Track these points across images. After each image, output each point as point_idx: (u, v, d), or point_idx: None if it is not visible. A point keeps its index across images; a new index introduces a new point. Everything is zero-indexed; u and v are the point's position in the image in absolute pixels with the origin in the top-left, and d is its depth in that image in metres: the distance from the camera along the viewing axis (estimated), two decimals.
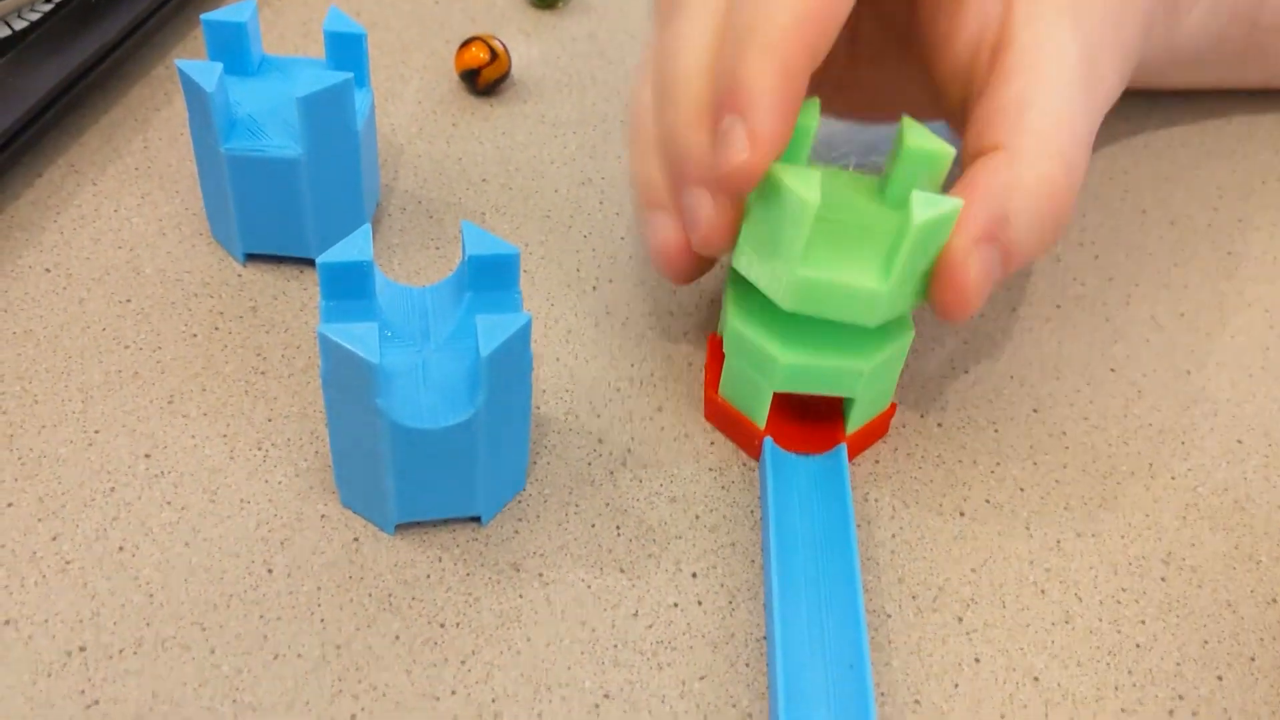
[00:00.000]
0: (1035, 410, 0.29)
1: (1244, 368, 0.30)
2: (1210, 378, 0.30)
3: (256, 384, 0.27)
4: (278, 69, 0.30)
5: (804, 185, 0.23)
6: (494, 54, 0.35)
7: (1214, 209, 0.35)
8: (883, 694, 0.23)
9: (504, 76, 0.36)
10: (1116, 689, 0.24)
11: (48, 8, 0.34)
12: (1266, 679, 0.24)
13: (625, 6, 0.41)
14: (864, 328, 0.25)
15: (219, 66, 0.27)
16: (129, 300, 0.29)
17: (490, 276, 0.24)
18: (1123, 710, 0.23)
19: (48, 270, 0.29)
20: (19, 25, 0.33)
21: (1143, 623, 0.25)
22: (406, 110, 0.35)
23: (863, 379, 0.25)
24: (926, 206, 0.23)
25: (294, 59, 0.30)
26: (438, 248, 0.31)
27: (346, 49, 0.29)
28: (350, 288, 0.23)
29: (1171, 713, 0.23)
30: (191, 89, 0.27)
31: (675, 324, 0.30)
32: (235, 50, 0.29)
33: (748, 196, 0.24)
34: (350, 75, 0.27)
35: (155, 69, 0.36)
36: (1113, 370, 0.30)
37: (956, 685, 0.23)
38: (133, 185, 0.32)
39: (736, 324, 0.26)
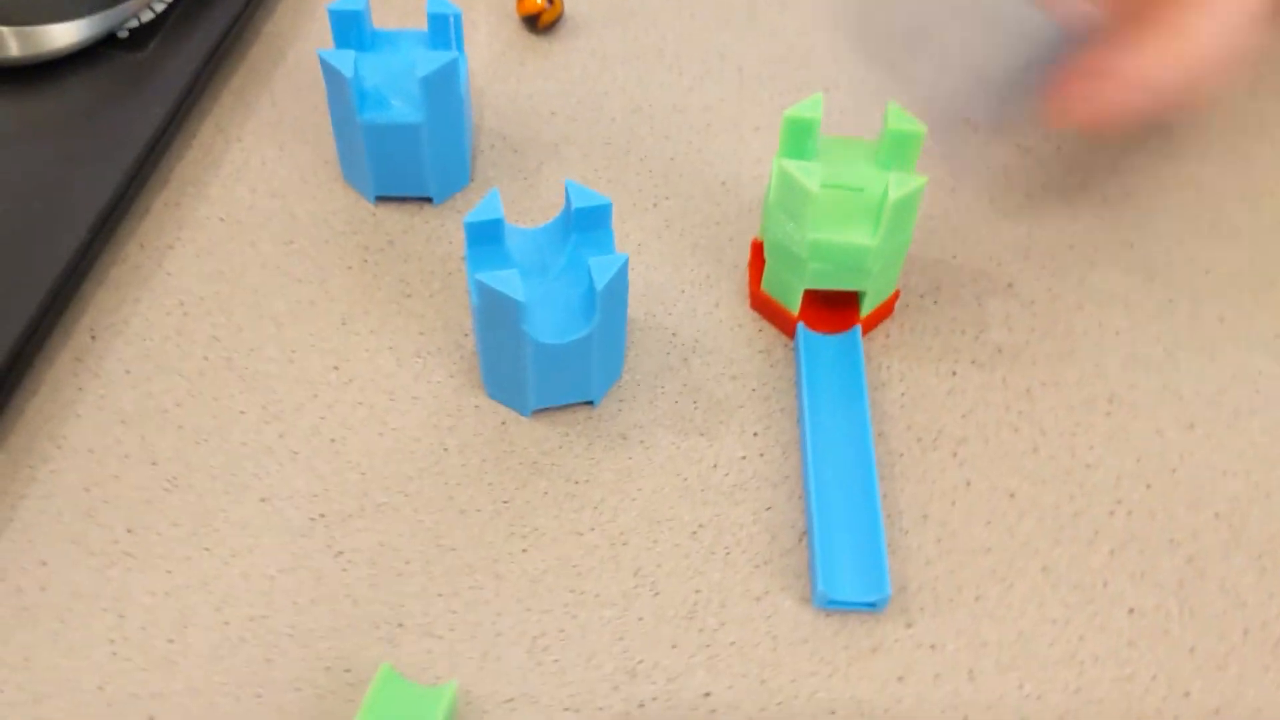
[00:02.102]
0: (1010, 285, 0.37)
1: (1177, 236, 0.38)
2: (1150, 248, 0.38)
3: (405, 305, 0.35)
4: (388, 43, 0.36)
5: (808, 177, 0.31)
6: (556, 3, 0.42)
7: None
8: (900, 512, 0.32)
9: (560, 17, 0.42)
10: (1071, 498, 0.32)
11: None
12: (1184, 485, 0.33)
13: None
14: (872, 238, 0.32)
15: (352, 54, 0.34)
16: (291, 241, 0.36)
17: (590, 222, 0.32)
18: (1075, 514, 0.32)
19: (221, 220, 0.37)
20: (159, 7, 0.39)
21: (1091, 448, 0.33)
22: (480, 56, 0.42)
23: (871, 277, 0.33)
24: (899, 186, 0.31)
25: (400, 32, 0.37)
26: (525, 178, 0.38)
27: (445, 26, 0.35)
28: (487, 238, 0.31)
29: (1111, 514, 0.32)
30: (331, 74, 0.34)
31: (721, 232, 0.38)
32: (354, 31, 0.35)
33: (771, 178, 0.32)
34: (457, 54, 0.34)
35: (266, 30, 0.42)
36: (1071, 247, 0.38)
37: (953, 503, 0.32)
38: (270, 138, 0.39)
39: (774, 235, 0.34)
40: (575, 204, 0.31)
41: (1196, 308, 0.36)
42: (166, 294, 0.35)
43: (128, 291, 0.35)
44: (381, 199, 0.37)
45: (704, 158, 0.39)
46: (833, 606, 0.30)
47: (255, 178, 0.38)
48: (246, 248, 0.36)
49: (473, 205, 0.37)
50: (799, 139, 0.32)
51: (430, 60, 0.34)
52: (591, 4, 0.44)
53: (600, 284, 0.30)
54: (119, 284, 0.35)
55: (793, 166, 0.31)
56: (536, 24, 0.42)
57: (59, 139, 0.36)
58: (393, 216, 0.37)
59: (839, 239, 0.32)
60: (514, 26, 0.43)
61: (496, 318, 0.30)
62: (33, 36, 0.37)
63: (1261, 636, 0.30)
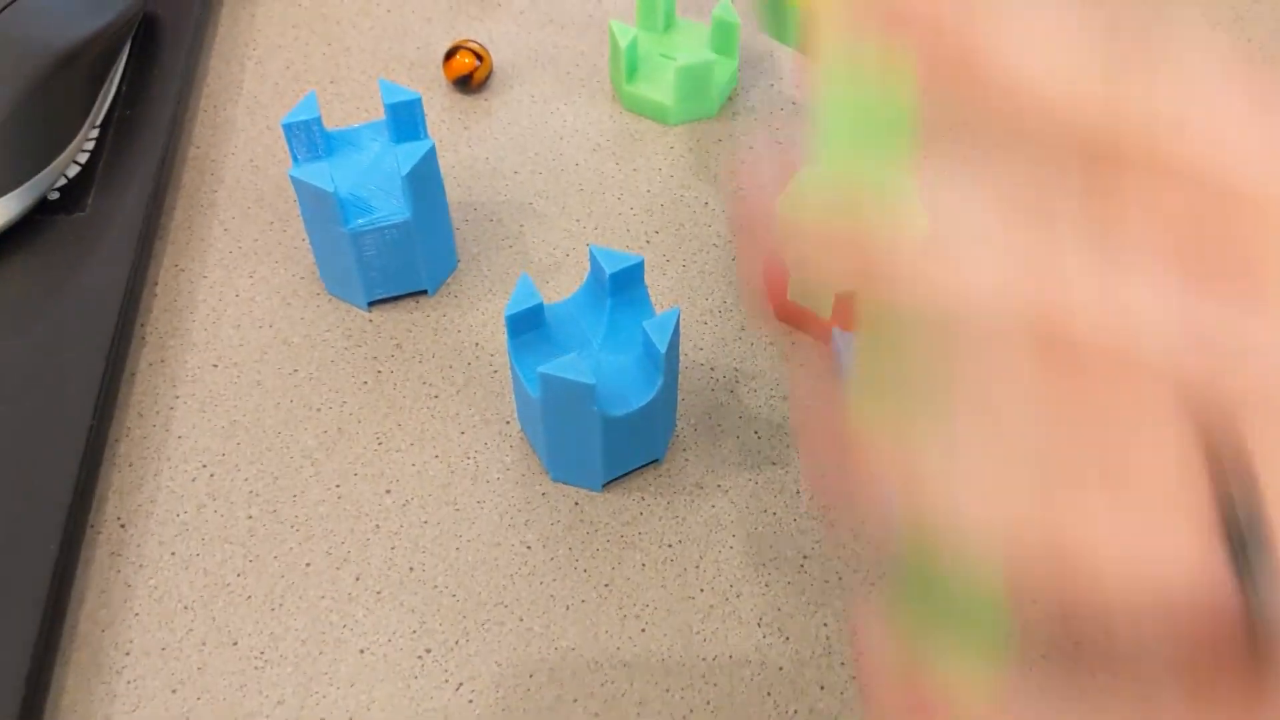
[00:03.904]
0: None
1: None
2: None
3: (435, 407, 0.34)
4: (347, 143, 0.35)
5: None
6: (479, 56, 0.40)
7: None
8: None
9: (490, 73, 0.41)
10: None
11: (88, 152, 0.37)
12: None
13: None
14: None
15: (326, 168, 0.32)
16: (295, 370, 0.34)
17: (624, 283, 0.31)
18: None
19: (215, 365, 0.35)
20: (83, 159, 0.37)
21: None
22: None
23: None
24: None
25: (355, 129, 0.35)
26: (510, 245, 0.37)
27: (408, 113, 0.34)
28: (528, 325, 0.30)
29: None
30: (309, 191, 0.32)
31: (724, 253, 0.37)
32: (309, 140, 0.34)
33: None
34: (432, 143, 0.33)
35: (192, 155, 0.40)
36: None
37: None
38: (237, 267, 0.37)
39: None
40: (609, 269, 0.30)
41: None
42: (185, 459, 0.33)
43: (144, 467, 0.32)
44: (374, 303, 0.36)
45: (680, 181, 0.39)
46: None
47: (236, 313, 0.36)
48: (252, 389, 0.34)
49: (467, 287, 0.36)
50: None
51: (408, 155, 0.32)
52: (515, 50, 0.42)
53: (663, 346, 0.29)
54: (131, 461, 0.33)
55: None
56: (469, 84, 0.40)
57: (24, 327, 0.33)
58: (391, 319, 0.35)
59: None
60: (446, 91, 0.41)
61: (564, 404, 0.29)
62: None
63: None
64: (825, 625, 0.30)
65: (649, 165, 0.39)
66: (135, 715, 0.28)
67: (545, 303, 0.31)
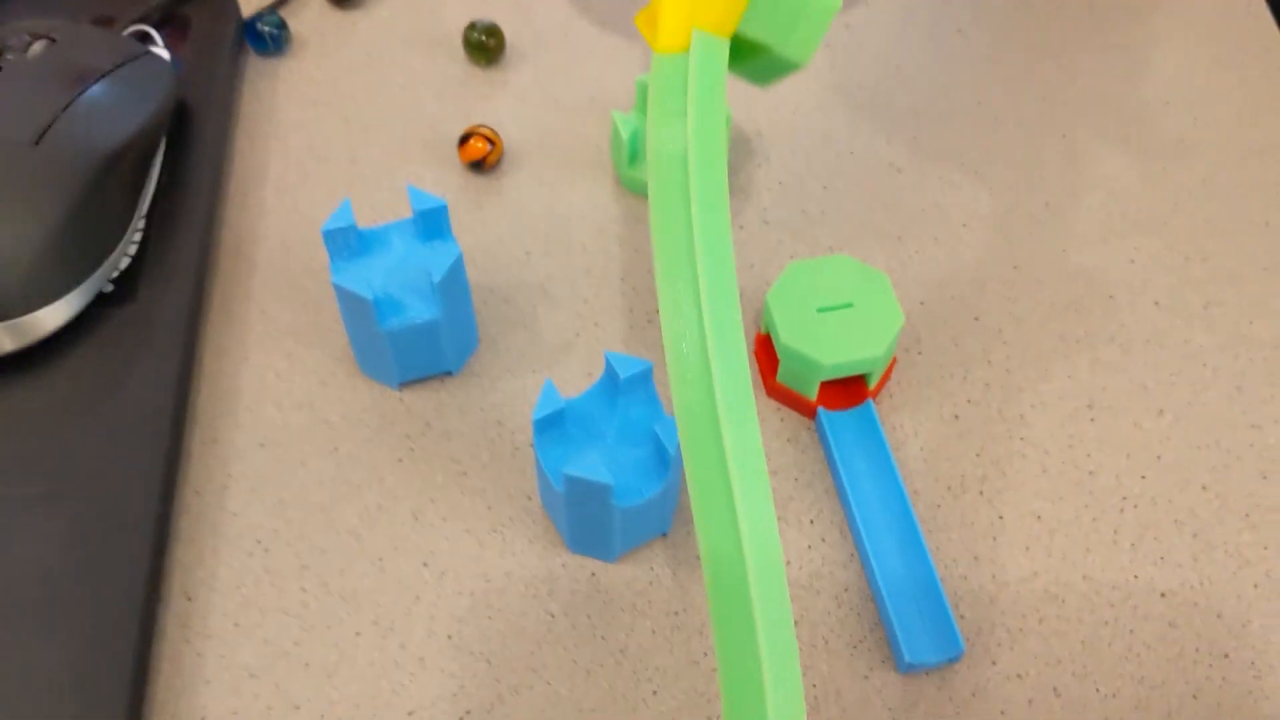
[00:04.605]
0: (976, 318, 0.41)
1: (1101, 235, 0.43)
2: (1080, 254, 0.43)
3: (464, 483, 0.37)
4: (378, 242, 0.38)
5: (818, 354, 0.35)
6: (491, 142, 0.44)
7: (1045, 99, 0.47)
8: (955, 560, 0.36)
9: (502, 155, 0.44)
10: (1086, 506, 0.37)
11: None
12: (1171, 469, 0.38)
13: (556, 56, 0.49)
14: (875, 321, 0.36)
15: (363, 272, 0.36)
16: (336, 448, 0.38)
17: (635, 385, 0.35)
18: (1094, 520, 0.37)
19: (261, 445, 0.38)
20: (132, 250, 0.40)
21: (1088, 455, 0.38)
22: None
23: (882, 362, 0.37)
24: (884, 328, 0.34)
25: (384, 229, 0.38)
26: (525, 328, 0.41)
27: (434, 218, 0.37)
28: (552, 430, 0.34)
29: (1121, 511, 0.37)
30: (348, 296, 0.36)
31: None
32: (348, 244, 0.37)
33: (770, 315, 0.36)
34: (460, 251, 0.36)
35: (225, 239, 0.43)
36: (1015, 268, 0.42)
37: (994, 539, 0.37)
38: (274, 350, 0.40)
39: (787, 340, 0.37)
40: (622, 375, 0.34)
41: (1134, 299, 0.42)
42: (240, 535, 0.36)
43: (204, 543, 0.36)
44: (404, 384, 0.39)
45: None
46: (923, 666, 0.34)
47: (277, 393, 0.39)
48: (297, 467, 0.38)
49: (487, 366, 0.40)
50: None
51: (439, 263, 0.36)
52: (522, 131, 0.46)
53: (671, 448, 0.33)
54: (192, 537, 0.36)
55: (797, 343, 0.36)
56: (482, 167, 0.44)
57: (91, 411, 0.37)
58: (421, 398, 0.39)
59: (852, 358, 0.36)
60: (459, 171, 0.45)
61: (584, 497, 0.33)
62: (25, 326, 0.37)
63: (1269, 588, 0.36)
64: (814, 686, 0.34)
65: (649, 247, 0.43)
66: None
67: (569, 398, 0.35)
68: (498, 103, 0.47)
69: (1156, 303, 0.42)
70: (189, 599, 0.35)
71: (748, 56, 0.32)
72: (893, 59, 0.49)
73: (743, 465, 0.27)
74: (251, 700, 0.34)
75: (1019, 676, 0.34)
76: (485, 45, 0.47)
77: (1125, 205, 0.44)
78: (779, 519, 0.37)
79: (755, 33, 0.31)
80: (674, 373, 0.28)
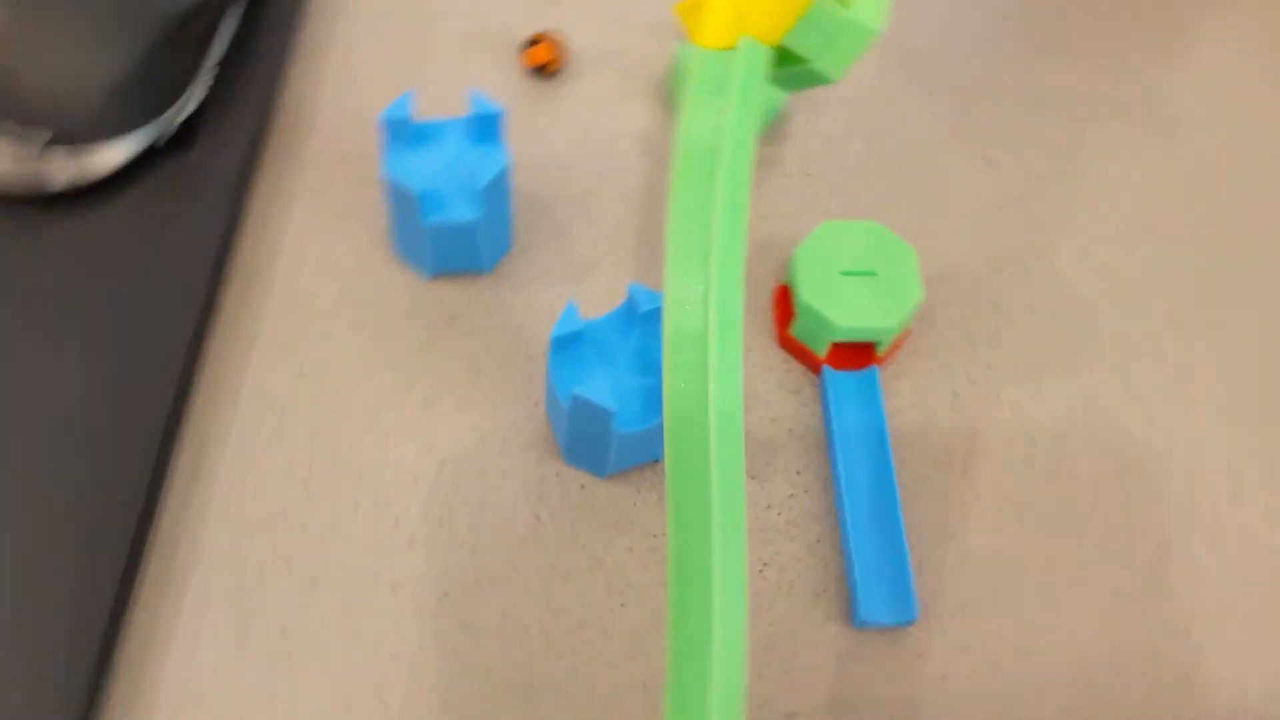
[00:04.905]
0: (992, 302, 0.42)
1: (1115, 239, 0.44)
2: (1103, 252, 0.44)
3: (478, 380, 0.39)
4: (432, 137, 0.39)
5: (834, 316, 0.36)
6: (556, 48, 0.44)
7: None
8: (924, 529, 0.38)
9: (564, 64, 0.45)
10: (1059, 499, 0.39)
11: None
12: (1150, 478, 0.39)
13: None
14: (895, 293, 0.38)
15: (413, 167, 0.37)
16: (363, 326, 0.40)
17: (654, 319, 0.36)
18: (1063, 512, 0.39)
19: (292, 309, 0.40)
20: (193, 106, 0.41)
21: (1073, 452, 0.40)
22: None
23: (891, 334, 0.39)
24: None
25: (439, 125, 0.39)
26: (558, 239, 0.42)
27: (489, 124, 0.38)
28: (569, 348, 0.35)
29: (1091, 508, 0.39)
30: (397, 189, 0.37)
31: (748, 276, 0.42)
32: (403, 136, 0.38)
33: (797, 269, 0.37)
34: (508, 159, 0.37)
35: (286, 100, 0.44)
36: (1037, 258, 0.43)
37: (965, 517, 0.38)
38: (318, 219, 0.42)
39: (807, 299, 0.38)
40: (642, 307, 0.35)
41: (1147, 306, 0.43)
42: (259, 395, 0.38)
43: (223, 397, 0.38)
44: (437, 276, 0.41)
45: None
46: (876, 624, 0.36)
47: (314, 264, 0.41)
48: (322, 339, 0.40)
49: (520, 267, 0.41)
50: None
51: (487, 168, 0.37)
52: (586, 43, 0.46)
53: None
54: (213, 388, 0.38)
55: (816, 302, 0.37)
56: (543, 72, 0.45)
57: (138, 254, 0.39)
58: (450, 292, 0.41)
59: (866, 325, 0.37)
60: (519, 73, 0.45)
61: (586, 416, 0.35)
62: (86, 158, 0.39)
63: (1217, 608, 0.38)
64: (771, 625, 0.36)
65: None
66: (203, 616, 0.35)
67: (587, 320, 0.37)
68: (569, 10, 0.47)
69: (1168, 313, 0.43)
70: (201, 447, 0.37)
71: (784, 64, 0.33)
72: (953, 32, 0.49)
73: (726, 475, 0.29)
74: (249, 549, 0.36)
75: (965, 648, 0.36)
76: None
77: (1152, 210, 0.45)
78: (768, 465, 0.39)
79: (796, 45, 0.32)
80: (668, 362, 0.29)
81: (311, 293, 0.40)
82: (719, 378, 0.29)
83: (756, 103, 0.31)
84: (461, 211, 0.38)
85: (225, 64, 0.42)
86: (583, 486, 0.38)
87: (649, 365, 0.36)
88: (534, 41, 0.44)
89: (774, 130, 0.45)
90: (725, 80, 0.31)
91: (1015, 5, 0.50)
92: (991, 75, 0.48)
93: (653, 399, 0.36)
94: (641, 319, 0.36)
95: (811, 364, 0.40)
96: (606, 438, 0.35)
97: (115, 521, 0.34)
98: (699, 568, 0.28)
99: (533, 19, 0.47)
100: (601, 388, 0.34)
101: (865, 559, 0.37)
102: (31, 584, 0.33)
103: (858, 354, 0.40)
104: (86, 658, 0.32)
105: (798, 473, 0.39)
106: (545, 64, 0.44)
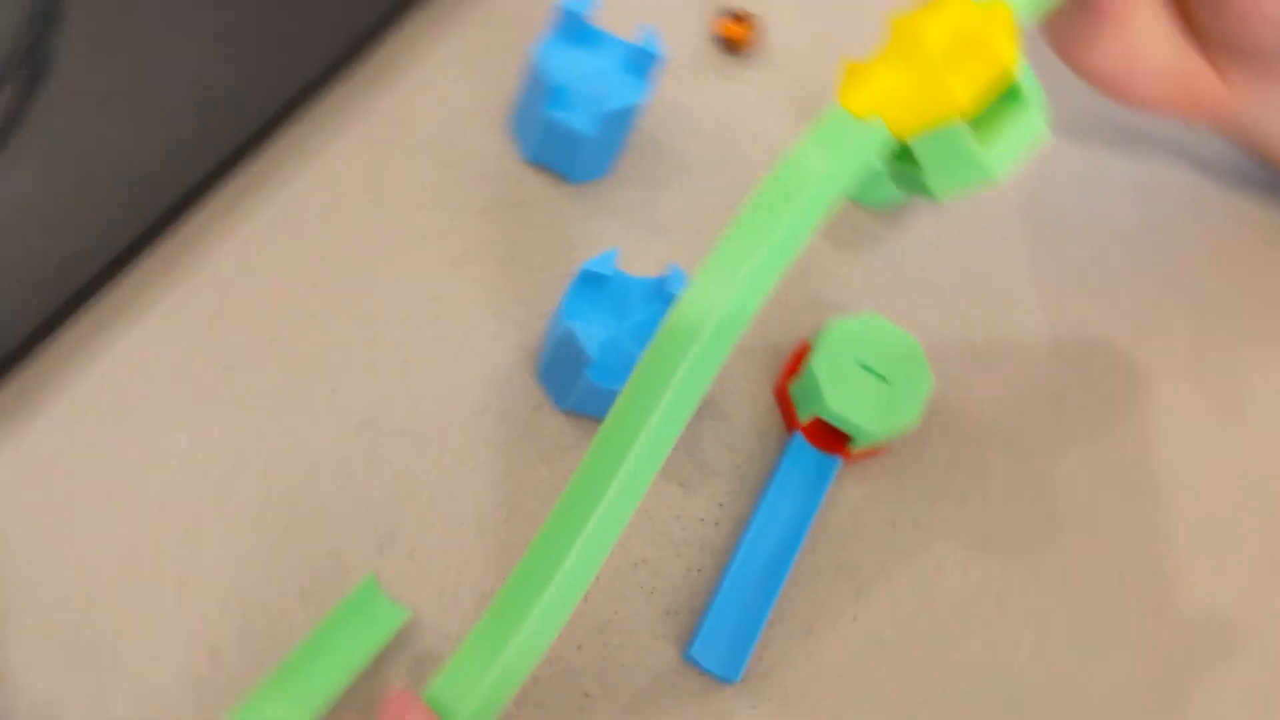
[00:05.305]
0: (979, 464, 0.43)
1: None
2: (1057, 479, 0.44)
3: (509, 268, 0.41)
4: (594, 43, 0.41)
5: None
6: (753, 32, 0.45)
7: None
8: (791, 617, 0.39)
9: (752, 47, 0.46)
10: (928, 664, 0.40)
11: None
12: (1011, 702, 0.40)
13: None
14: (892, 406, 0.39)
15: (561, 58, 0.39)
16: (445, 166, 0.42)
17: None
18: (901, 688, 0.40)
19: (398, 120, 0.42)
20: None
21: (956, 640, 0.41)
22: (668, 56, 0.46)
23: (866, 439, 0.40)
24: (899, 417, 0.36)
25: (603, 36, 0.41)
26: (650, 190, 0.44)
27: (644, 60, 0.40)
28: (592, 287, 0.37)
29: (923, 703, 0.40)
30: (538, 73, 0.39)
31: (781, 313, 0.43)
32: (570, 29, 0.40)
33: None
34: (640, 100, 0.39)
35: None
36: (1041, 446, 0.44)
37: (836, 630, 0.40)
38: (455, 64, 0.44)
39: (815, 365, 0.40)
40: (670, 289, 0.37)
41: (1091, 521, 0.43)
42: (324, 178, 0.41)
43: (291, 162, 0.41)
44: (530, 162, 0.43)
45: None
46: (698, 666, 0.38)
47: (437, 92, 0.43)
48: (404, 158, 0.42)
49: (606, 197, 0.43)
50: None
51: (620, 96, 0.39)
52: (789, 35, 0.48)
53: None
54: (285, 152, 0.41)
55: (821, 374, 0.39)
56: (728, 47, 0.46)
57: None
58: (534, 182, 0.43)
59: (852, 417, 0.38)
60: (706, 33, 0.47)
61: (568, 352, 0.37)
62: None
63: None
64: (615, 613, 0.38)
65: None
66: (175, 321, 0.38)
67: (621, 273, 0.38)
68: (796, 6, 0.48)
69: (1095, 533, 0.43)
70: (262, 180, 0.40)
71: (902, 160, 0.34)
72: (1100, 212, 0.49)
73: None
74: (242, 294, 0.39)
75: None
76: None
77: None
78: (700, 482, 0.40)
79: (918, 151, 0.33)
80: (653, 341, 0.31)
81: (414, 121, 0.42)
82: (688, 374, 0.31)
83: (854, 173, 0.32)
84: (579, 120, 0.40)
85: None
86: (537, 407, 0.40)
87: (646, 340, 0.38)
88: (731, 13, 0.45)
89: (891, 209, 0.46)
90: (842, 140, 0.32)
91: (1187, 219, 0.50)
92: (1114, 260, 0.48)
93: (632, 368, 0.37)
94: (664, 298, 0.37)
95: (790, 423, 0.42)
96: (576, 377, 0.37)
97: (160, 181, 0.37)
98: (586, 502, 0.30)
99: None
100: (594, 334, 0.36)
101: (725, 608, 0.38)
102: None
103: (833, 439, 0.41)
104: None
105: (720, 504, 0.40)
106: (734, 40, 0.46)
